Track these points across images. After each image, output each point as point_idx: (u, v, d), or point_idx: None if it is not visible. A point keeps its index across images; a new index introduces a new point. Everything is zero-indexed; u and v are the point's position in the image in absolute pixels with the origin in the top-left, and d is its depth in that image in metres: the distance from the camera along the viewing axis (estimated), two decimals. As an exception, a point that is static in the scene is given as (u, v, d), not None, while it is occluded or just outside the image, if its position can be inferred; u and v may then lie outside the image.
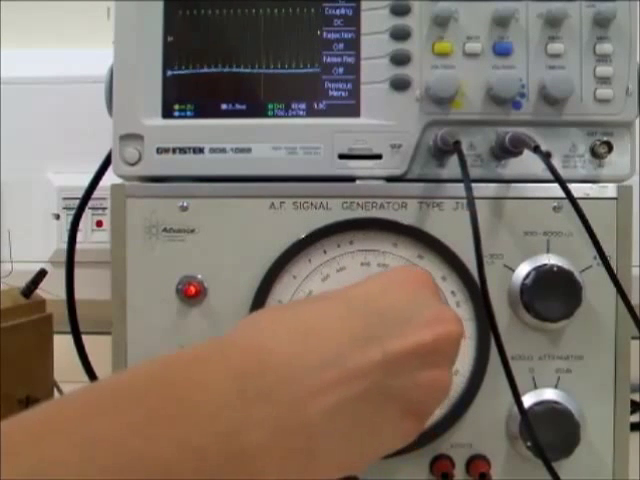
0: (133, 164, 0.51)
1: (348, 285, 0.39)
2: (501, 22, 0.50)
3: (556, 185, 0.46)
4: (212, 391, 0.29)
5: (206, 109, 0.52)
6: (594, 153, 0.51)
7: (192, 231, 0.50)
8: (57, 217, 0.81)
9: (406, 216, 0.49)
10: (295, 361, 0.32)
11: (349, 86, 0.51)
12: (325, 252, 0.49)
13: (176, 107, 0.52)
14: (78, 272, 0.59)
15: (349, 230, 0.49)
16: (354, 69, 0.51)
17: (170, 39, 0.52)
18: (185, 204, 0.50)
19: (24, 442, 0.25)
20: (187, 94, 0.52)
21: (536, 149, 0.47)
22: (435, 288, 0.39)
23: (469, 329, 0.49)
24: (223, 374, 0.30)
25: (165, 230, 0.50)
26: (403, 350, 0.33)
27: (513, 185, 0.50)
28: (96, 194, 0.58)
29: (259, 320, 0.35)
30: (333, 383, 0.32)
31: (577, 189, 0.48)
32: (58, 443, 0.25)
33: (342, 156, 0.51)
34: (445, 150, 0.49)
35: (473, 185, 0.46)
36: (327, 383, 0.31)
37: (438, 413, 0.48)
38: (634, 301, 0.47)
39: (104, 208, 0.78)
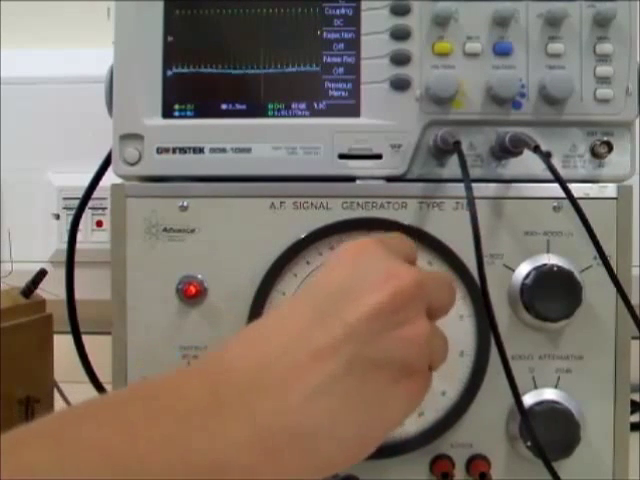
0: (133, 164, 0.51)
1: None
2: (501, 22, 0.50)
3: (556, 185, 0.46)
4: (188, 397, 0.30)
5: (206, 109, 0.52)
6: (594, 153, 0.51)
7: (192, 231, 0.50)
8: (57, 217, 0.81)
9: (406, 216, 0.49)
10: (261, 358, 0.32)
11: (349, 86, 0.51)
12: (323, 253, 0.49)
13: (176, 107, 0.52)
14: (78, 272, 0.59)
15: (349, 230, 0.49)
16: (354, 69, 0.51)
17: (170, 39, 0.52)
18: (185, 204, 0.50)
19: (7, 448, 0.25)
20: (187, 94, 0.52)
21: (536, 149, 0.47)
22: (382, 250, 0.37)
23: (469, 329, 0.49)
24: (195, 380, 0.31)
25: (165, 230, 0.50)
26: (362, 316, 0.33)
27: (513, 185, 0.50)
28: (96, 194, 0.58)
29: (235, 336, 0.36)
30: (304, 367, 0.32)
31: (577, 189, 0.48)
32: (38, 447, 0.25)
33: (342, 156, 0.51)
34: (445, 150, 0.49)
35: (473, 185, 0.46)
36: (298, 369, 0.31)
37: (438, 413, 0.48)
38: (634, 301, 0.47)
39: (104, 208, 0.78)
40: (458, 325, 0.48)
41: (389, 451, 0.48)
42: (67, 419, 0.28)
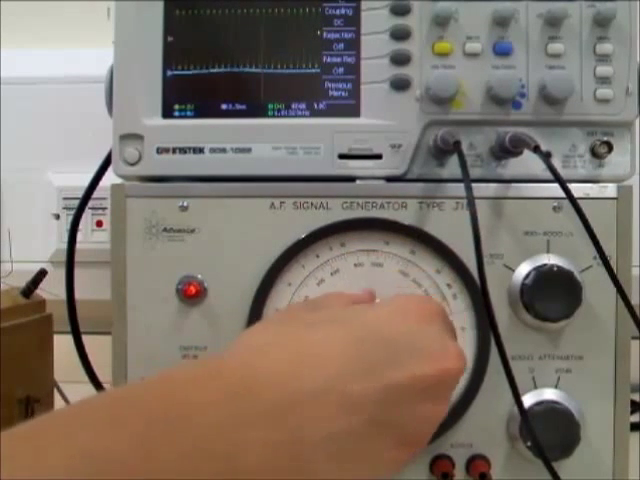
0: (133, 164, 0.51)
1: (357, 308, 0.39)
2: (501, 22, 0.50)
3: (556, 185, 0.46)
4: (208, 413, 0.29)
5: (206, 109, 0.52)
6: (594, 153, 0.51)
7: (192, 231, 0.50)
8: (57, 217, 0.81)
9: (406, 216, 0.49)
10: (292, 386, 0.31)
11: (349, 86, 0.51)
12: (320, 255, 0.49)
13: (176, 107, 0.52)
14: (78, 272, 0.59)
15: (349, 230, 0.49)
16: (354, 69, 0.51)
17: (170, 39, 0.52)
18: (185, 204, 0.50)
19: (22, 452, 0.25)
20: (187, 94, 0.52)
21: (536, 149, 0.47)
22: (445, 322, 0.38)
23: (469, 330, 0.49)
24: (219, 395, 0.30)
25: (165, 230, 0.50)
26: (403, 383, 0.33)
27: (513, 185, 0.50)
28: (96, 194, 0.58)
29: (258, 339, 0.35)
30: (332, 411, 0.31)
31: (577, 189, 0.48)
32: (49, 452, 0.25)
33: (342, 156, 0.51)
34: (445, 150, 0.49)
35: (473, 185, 0.46)
36: (326, 411, 0.31)
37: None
38: (634, 301, 0.47)
39: (104, 208, 0.78)
40: (458, 325, 0.48)
41: (389, 451, 0.48)
42: (81, 422, 0.28)
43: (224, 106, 0.52)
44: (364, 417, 0.32)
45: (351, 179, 0.51)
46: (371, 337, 0.35)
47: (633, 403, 0.55)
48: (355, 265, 0.49)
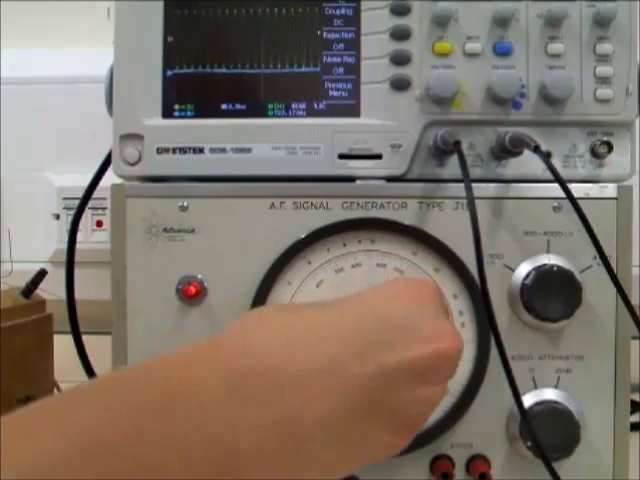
0: (133, 164, 0.51)
1: (353, 292, 0.39)
2: (501, 22, 0.50)
3: (556, 185, 0.46)
4: (202, 394, 0.29)
5: (206, 109, 0.52)
6: (594, 153, 0.51)
7: (192, 231, 0.50)
8: (57, 217, 0.81)
9: (406, 216, 0.49)
10: (290, 366, 0.31)
11: (349, 86, 0.51)
12: (320, 255, 0.49)
13: (176, 107, 0.52)
14: (78, 272, 0.59)
15: (349, 230, 0.49)
16: (354, 69, 0.51)
17: (170, 39, 0.51)
18: (185, 204, 0.50)
19: (16, 437, 0.25)
20: (187, 94, 0.52)
21: (536, 149, 0.47)
22: (440, 303, 0.38)
23: (469, 330, 0.49)
24: (214, 376, 0.30)
25: (165, 230, 0.50)
26: (399, 364, 0.33)
27: (513, 185, 0.50)
28: (96, 194, 0.58)
29: (257, 321, 0.35)
30: (329, 392, 0.31)
31: (577, 189, 0.48)
32: (44, 437, 0.25)
33: (342, 156, 0.51)
34: (445, 150, 0.49)
35: (473, 185, 0.46)
36: (323, 391, 0.31)
37: (438, 413, 0.48)
38: (634, 301, 0.47)
39: (104, 208, 0.78)
40: (458, 325, 0.48)
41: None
42: (75, 405, 0.28)
43: (224, 106, 0.52)
44: (361, 398, 0.32)
45: (351, 179, 0.51)
46: (367, 319, 0.35)
47: (633, 403, 0.55)
48: (355, 265, 0.49)
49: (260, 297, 0.48)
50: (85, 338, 0.58)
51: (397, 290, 0.38)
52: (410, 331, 0.34)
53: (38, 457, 0.24)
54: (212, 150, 0.51)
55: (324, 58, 0.51)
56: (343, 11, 0.51)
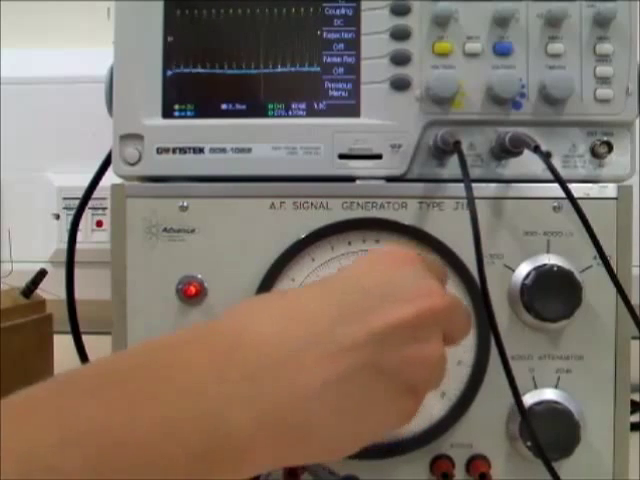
0: (133, 164, 0.51)
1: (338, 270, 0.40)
2: (501, 22, 0.50)
3: (556, 185, 0.46)
4: (193, 372, 0.30)
5: (206, 109, 0.52)
6: (594, 153, 0.51)
7: (192, 231, 0.50)
8: (57, 217, 0.81)
9: (406, 216, 0.49)
10: (278, 340, 0.32)
11: (349, 86, 0.51)
12: (320, 255, 0.49)
13: (176, 107, 0.52)
14: (78, 272, 0.59)
15: (349, 230, 0.49)
16: (354, 69, 0.51)
17: (170, 39, 0.51)
18: (185, 204, 0.50)
19: (13, 426, 0.25)
20: (187, 94, 0.52)
21: (536, 149, 0.47)
22: (421, 265, 0.38)
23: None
24: (204, 356, 0.30)
25: (165, 230, 0.50)
26: (387, 325, 0.33)
27: (513, 185, 0.50)
28: (96, 194, 0.58)
29: (242, 306, 0.35)
30: (320, 361, 0.32)
31: (577, 189, 0.48)
32: (40, 426, 0.25)
33: (342, 156, 0.51)
34: (445, 150, 0.49)
35: (473, 185, 0.46)
36: (314, 361, 0.31)
37: (438, 413, 0.48)
38: (634, 301, 0.47)
39: (104, 208, 0.78)
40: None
41: (389, 451, 0.48)
42: (68, 393, 0.28)
43: (224, 106, 0.52)
44: (355, 363, 0.32)
45: (351, 179, 0.51)
46: (349, 288, 0.35)
47: (633, 403, 0.55)
48: (355, 259, 0.49)
49: (260, 297, 0.48)
50: (85, 338, 0.58)
51: (376, 260, 0.38)
52: (393, 295, 0.35)
53: (34, 446, 0.25)
54: (212, 150, 0.51)
55: (324, 58, 0.51)
56: (343, 11, 0.51)
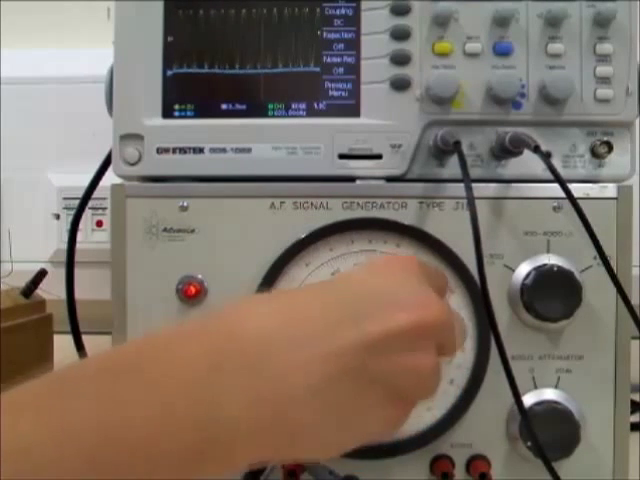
0: (133, 164, 0.51)
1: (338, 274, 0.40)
2: (501, 22, 0.50)
3: (556, 185, 0.46)
4: (188, 362, 0.30)
5: (206, 109, 0.52)
6: (594, 153, 0.51)
7: (192, 231, 0.50)
8: (57, 217, 0.82)
9: (406, 216, 0.49)
10: (275, 336, 0.32)
11: (349, 86, 0.51)
12: (320, 255, 0.49)
13: (176, 107, 0.52)
14: (78, 272, 0.59)
15: (349, 230, 0.49)
16: (354, 69, 0.51)
17: (170, 39, 0.51)
18: (185, 204, 0.50)
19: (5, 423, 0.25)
20: (187, 94, 0.52)
21: (536, 149, 0.47)
22: (422, 275, 0.38)
23: (469, 329, 0.49)
24: (196, 351, 0.31)
25: (165, 230, 0.50)
26: (380, 332, 0.33)
27: (513, 185, 0.50)
28: (96, 194, 0.58)
29: (242, 301, 0.35)
30: (315, 359, 0.32)
31: (577, 189, 0.48)
32: (35, 422, 0.26)
33: (342, 156, 0.51)
34: (445, 150, 0.49)
35: (473, 185, 0.46)
36: (309, 358, 0.32)
37: (438, 413, 0.48)
38: (634, 301, 0.47)
39: (104, 208, 0.78)
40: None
41: (389, 451, 0.48)
42: (61, 390, 0.28)
43: (224, 106, 0.52)
44: (345, 366, 0.32)
45: (351, 179, 0.51)
46: (347, 292, 0.35)
47: (633, 403, 0.55)
48: (355, 265, 0.49)
49: (260, 297, 0.48)
50: (85, 338, 0.58)
51: (378, 267, 0.38)
52: (389, 303, 0.35)
53: (30, 442, 0.25)
54: (212, 150, 0.51)
55: (324, 58, 0.51)
56: (343, 11, 0.51)
